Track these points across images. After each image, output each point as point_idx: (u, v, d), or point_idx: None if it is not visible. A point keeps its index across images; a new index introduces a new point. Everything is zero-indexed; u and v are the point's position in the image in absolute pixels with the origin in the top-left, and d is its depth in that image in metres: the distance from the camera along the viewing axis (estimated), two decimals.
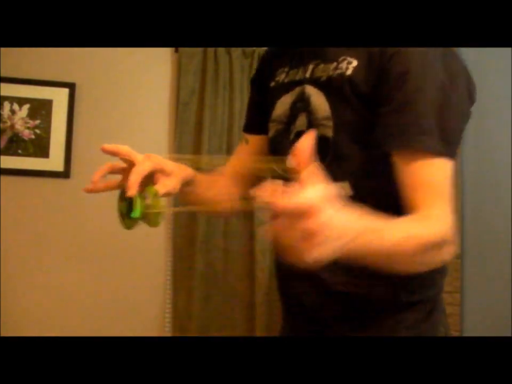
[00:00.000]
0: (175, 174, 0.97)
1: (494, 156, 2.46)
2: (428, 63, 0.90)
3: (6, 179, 2.42)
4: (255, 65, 2.61)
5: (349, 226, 0.66)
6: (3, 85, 2.42)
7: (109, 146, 0.92)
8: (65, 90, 2.48)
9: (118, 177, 0.96)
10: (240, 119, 2.57)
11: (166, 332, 2.51)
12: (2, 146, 2.42)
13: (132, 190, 0.86)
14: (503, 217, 2.40)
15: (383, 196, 0.91)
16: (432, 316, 0.98)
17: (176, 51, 2.61)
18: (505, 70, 2.42)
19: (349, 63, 0.95)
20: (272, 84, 1.09)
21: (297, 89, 1.02)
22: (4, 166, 2.41)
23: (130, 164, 0.93)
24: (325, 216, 0.60)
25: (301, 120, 1.01)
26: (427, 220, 0.85)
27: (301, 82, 1.02)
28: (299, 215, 0.59)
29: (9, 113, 2.43)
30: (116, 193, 0.94)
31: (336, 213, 0.62)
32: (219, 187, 1.17)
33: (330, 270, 0.91)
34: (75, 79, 2.51)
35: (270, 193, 0.60)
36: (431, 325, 0.98)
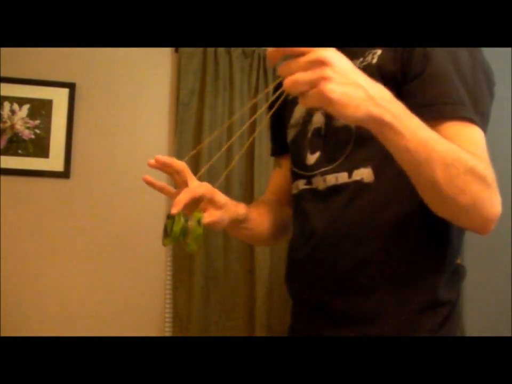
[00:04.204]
0: (226, 208, 0.96)
1: (494, 156, 2.45)
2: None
3: (6, 179, 2.42)
4: (255, 65, 2.61)
5: (369, 83, 0.70)
6: (3, 85, 2.42)
7: (163, 157, 0.91)
8: (65, 90, 2.48)
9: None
10: (240, 119, 2.57)
11: (166, 332, 2.51)
12: (2, 146, 2.42)
13: (177, 208, 0.85)
14: (503, 217, 2.40)
15: (407, 178, 0.88)
16: (451, 320, 0.98)
17: (176, 51, 2.61)
18: (505, 70, 2.42)
19: (374, 53, 0.96)
20: (289, 97, 1.08)
21: None
22: (3, 166, 2.41)
23: (183, 183, 0.93)
24: (341, 60, 0.68)
25: (317, 117, 1.02)
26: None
27: None
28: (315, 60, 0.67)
29: (9, 113, 2.43)
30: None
31: (353, 66, 0.69)
32: (266, 219, 1.15)
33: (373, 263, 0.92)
34: (75, 79, 2.51)
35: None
36: (449, 329, 0.97)
